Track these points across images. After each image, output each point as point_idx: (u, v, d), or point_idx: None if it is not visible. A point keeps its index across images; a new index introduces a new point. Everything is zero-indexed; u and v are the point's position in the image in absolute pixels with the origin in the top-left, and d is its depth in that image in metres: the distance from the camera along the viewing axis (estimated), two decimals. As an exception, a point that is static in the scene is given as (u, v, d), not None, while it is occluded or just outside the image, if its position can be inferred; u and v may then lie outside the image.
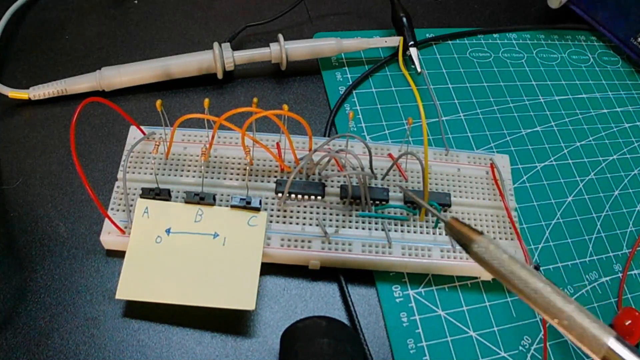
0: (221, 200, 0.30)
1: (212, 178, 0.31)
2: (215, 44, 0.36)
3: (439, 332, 0.29)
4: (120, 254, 0.29)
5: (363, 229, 0.31)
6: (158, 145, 0.31)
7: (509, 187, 0.33)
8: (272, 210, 0.31)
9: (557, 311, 0.17)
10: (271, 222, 0.30)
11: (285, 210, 0.31)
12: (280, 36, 0.37)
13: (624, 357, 0.15)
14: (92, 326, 0.28)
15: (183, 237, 0.29)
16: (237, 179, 0.31)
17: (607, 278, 0.33)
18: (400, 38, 0.39)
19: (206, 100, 0.28)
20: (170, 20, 0.41)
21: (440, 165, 0.34)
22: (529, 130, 0.39)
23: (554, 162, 0.38)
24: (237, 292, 0.27)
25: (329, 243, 0.30)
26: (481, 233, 0.19)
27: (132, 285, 0.27)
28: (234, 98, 0.38)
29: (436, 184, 0.33)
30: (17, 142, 0.34)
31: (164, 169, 0.31)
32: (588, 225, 0.35)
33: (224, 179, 0.31)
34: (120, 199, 0.30)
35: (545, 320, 0.17)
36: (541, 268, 0.31)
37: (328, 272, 0.31)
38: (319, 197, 0.31)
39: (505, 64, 0.42)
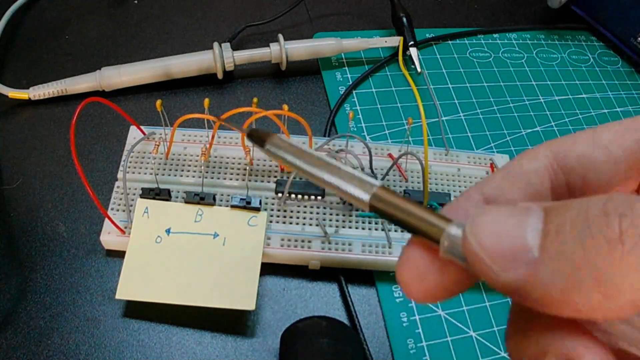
0: (221, 200, 0.30)
1: (212, 178, 0.31)
2: (215, 44, 0.36)
3: (439, 332, 0.29)
4: (120, 254, 0.29)
5: (363, 229, 0.31)
6: (158, 145, 0.31)
7: (509, 187, 0.33)
8: (272, 210, 0.31)
9: (326, 174, 0.18)
10: (271, 222, 0.30)
11: (285, 210, 0.31)
12: (280, 36, 0.37)
13: (389, 199, 0.16)
14: (92, 326, 0.28)
15: (183, 237, 0.29)
16: (237, 179, 0.31)
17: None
18: (400, 38, 0.39)
19: (206, 100, 0.28)
20: (170, 20, 0.41)
21: (440, 165, 0.34)
22: (529, 130, 0.39)
23: (554, 162, 0.38)
24: (237, 292, 0.27)
25: (329, 243, 0.30)
26: (273, 134, 0.21)
27: (132, 285, 0.27)
28: (234, 98, 0.38)
29: (436, 184, 0.33)
30: (17, 142, 0.34)
31: (164, 169, 0.31)
32: (588, 225, 0.35)
33: (224, 179, 0.31)
34: (120, 199, 0.30)
35: (323, 187, 0.18)
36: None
37: (328, 272, 0.31)
38: (319, 197, 0.31)
39: (505, 64, 0.42)
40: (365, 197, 0.17)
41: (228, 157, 0.32)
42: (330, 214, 0.31)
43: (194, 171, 0.31)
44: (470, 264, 0.13)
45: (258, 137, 0.21)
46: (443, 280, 0.15)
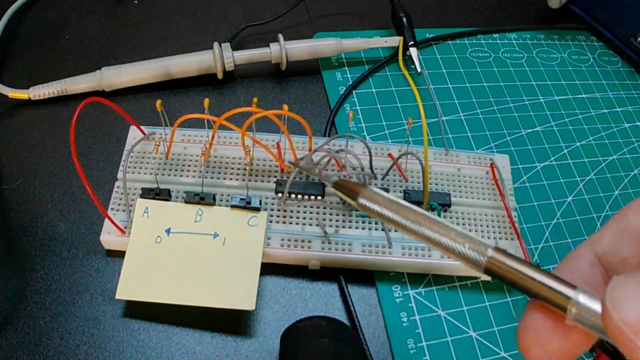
0: (221, 200, 0.30)
1: (212, 178, 0.31)
2: (215, 44, 0.36)
3: (439, 332, 0.29)
4: (120, 254, 0.29)
5: (363, 229, 0.31)
6: (158, 145, 0.31)
7: (509, 187, 0.33)
8: (272, 210, 0.31)
9: (439, 237, 0.18)
10: (271, 222, 0.30)
11: (285, 210, 0.31)
12: (280, 36, 0.37)
13: (506, 262, 0.16)
14: (92, 326, 0.28)
15: (183, 237, 0.29)
16: (237, 179, 0.31)
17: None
18: (400, 38, 0.39)
19: (206, 100, 0.28)
20: (170, 20, 0.41)
21: (440, 165, 0.34)
22: (529, 130, 0.39)
23: (554, 162, 0.38)
24: (237, 292, 0.27)
25: (329, 243, 0.30)
26: (365, 186, 0.20)
27: (132, 285, 0.27)
28: (234, 98, 0.38)
29: (436, 184, 0.33)
30: (17, 142, 0.34)
31: (164, 169, 0.31)
32: (588, 225, 0.35)
33: (224, 179, 0.31)
34: (120, 199, 0.30)
35: (432, 247, 0.18)
36: (541, 268, 0.31)
37: (328, 272, 0.31)
38: (319, 197, 0.31)
39: (505, 64, 0.42)
40: (482, 259, 0.17)
41: (228, 157, 0.32)
42: (330, 214, 0.31)
43: (194, 171, 0.31)
44: (612, 337, 0.13)
45: (348, 189, 0.21)
46: (566, 344, 0.15)
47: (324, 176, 0.22)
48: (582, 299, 0.15)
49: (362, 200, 0.20)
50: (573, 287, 0.15)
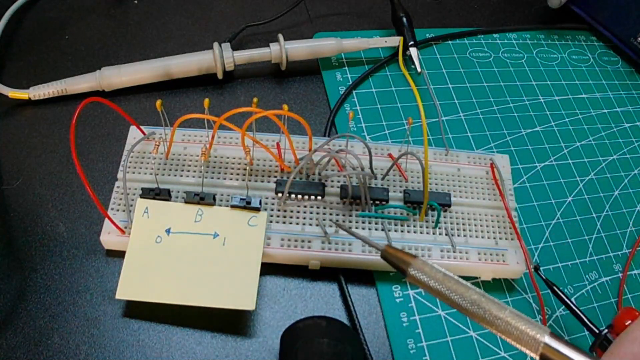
0: (221, 200, 0.30)
1: (212, 178, 0.31)
2: (215, 44, 0.36)
3: (439, 332, 0.29)
4: (120, 254, 0.29)
5: (363, 229, 0.31)
6: (158, 145, 0.31)
7: (509, 187, 0.33)
8: (272, 210, 0.31)
9: (494, 318, 0.18)
10: (271, 222, 0.30)
11: (285, 210, 0.31)
12: (280, 36, 0.37)
13: (560, 350, 0.16)
14: (92, 326, 0.28)
15: (183, 237, 0.29)
16: (237, 179, 0.31)
17: (607, 278, 0.33)
18: (400, 38, 0.39)
19: (206, 100, 0.28)
20: (170, 20, 0.41)
21: (440, 165, 0.34)
22: (529, 130, 0.39)
23: (554, 162, 0.38)
24: (237, 292, 0.27)
25: (329, 243, 0.30)
26: (415, 256, 0.20)
27: (132, 285, 0.27)
28: (234, 98, 0.38)
29: (436, 184, 0.33)
30: (17, 142, 0.34)
31: (164, 169, 0.31)
32: (588, 225, 0.35)
33: (224, 179, 0.31)
34: (120, 199, 0.30)
35: (485, 327, 0.18)
36: (541, 268, 0.31)
37: (328, 272, 0.31)
38: (319, 197, 0.31)
39: (505, 64, 0.42)
40: (539, 342, 0.17)
41: (228, 157, 0.32)
42: (330, 214, 0.31)
43: (194, 171, 0.31)
44: None
45: (398, 259, 0.20)
46: None
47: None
48: None
49: (413, 272, 0.20)
50: None
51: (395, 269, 0.20)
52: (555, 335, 0.17)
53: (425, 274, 0.20)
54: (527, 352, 0.18)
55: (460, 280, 0.19)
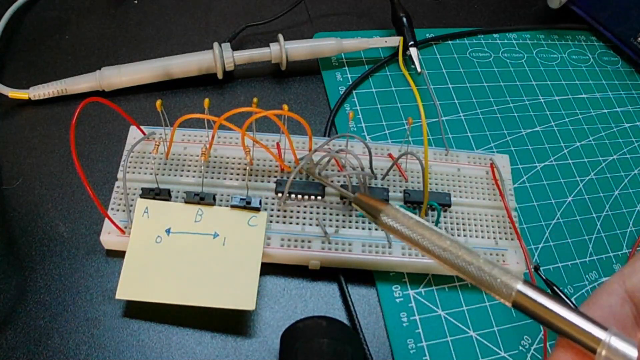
0: (221, 200, 0.30)
1: (212, 178, 0.31)
2: (215, 44, 0.36)
3: (439, 332, 0.29)
4: (120, 254, 0.29)
5: (363, 229, 0.31)
6: (158, 145, 0.31)
7: (509, 187, 0.33)
8: (272, 210, 0.31)
9: (466, 264, 0.18)
10: (271, 222, 0.30)
11: (285, 210, 0.31)
12: (280, 36, 0.37)
13: (533, 297, 0.16)
14: (92, 326, 0.28)
15: (183, 237, 0.29)
16: (237, 179, 0.31)
17: (607, 278, 0.33)
18: (400, 38, 0.39)
19: (206, 100, 0.28)
20: (170, 20, 0.41)
21: (440, 165, 0.34)
22: (529, 130, 0.39)
23: (554, 162, 0.38)
24: (237, 292, 0.27)
25: (329, 243, 0.30)
26: (387, 203, 0.20)
27: (132, 285, 0.27)
28: (234, 98, 0.38)
29: (436, 184, 0.33)
30: (17, 142, 0.34)
31: (164, 169, 0.31)
32: (588, 225, 0.35)
33: (224, 179, 0.31)
34: (120, 199, 0.30)
35: (458, 275, 0.18)
36: (541, 268, 0.31)
37: (328, 272, 0.31)
38: (319, 197, 0.31)
39: (505, 64, 0.42)
40: (510, 292, 0.16)
41: (228, 157, 0.32)
42: (330, 214, 0.31)
43: (194, 171, 0.31)
44: None
45: (369, 206, 0.20)
46: None
47: (323, 177, 0.22)
48: (614, 342, 0.15)
49: (384, 219, 0.19)
50: (604, 328, 0.15)
51: (368, 216, 0.20)
52: (529, 282, 0.17)
53: (396, 220, 0.19)
54: (501, 299, 0.17)
55: (433, 227, 0.19)
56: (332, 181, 0.26)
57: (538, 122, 0.39)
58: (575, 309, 0.16)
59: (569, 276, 0.33)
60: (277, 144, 0.32)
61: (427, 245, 0.18)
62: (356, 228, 0.31)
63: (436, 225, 0.31)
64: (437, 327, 0.30)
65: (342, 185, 0.31)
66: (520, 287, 0.16)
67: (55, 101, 0.35)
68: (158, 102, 0.28)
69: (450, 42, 0.43)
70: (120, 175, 0.31)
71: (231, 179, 0.31)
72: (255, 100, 0.28)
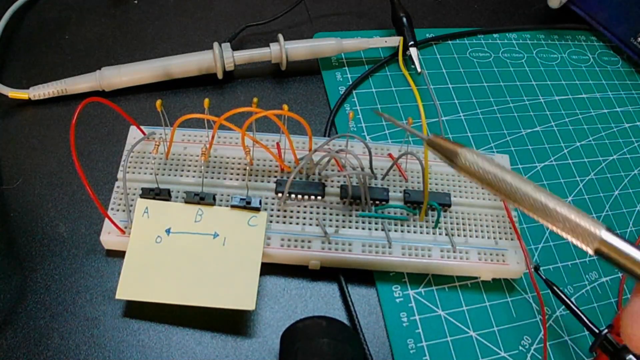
0: (221, 200, 0.30)
1: (212, 178, 0.31)
2: (215, 44, 0.36)
3: (439, 332, 0.29)
4: (120, 254, 0.29)
5: (363, 229, 0.31)
6: (158, 145, 0.31)
7: (509, 187, 0.33)
8: (272, 210, 0.31)
9: (549, 211, 0.17)
10: (271, 222, 0.30)
11: (285, 210, 0.31)
12: (280, 36, 0.37)
13: (616, 245, 0.16)
14: (92, 326, 0.28)
15: (183, 237, 0.29)
16: (237, 179, 0.31)
17: (607, 278, 0.33)
18: (400, 38, 0.39)
19: (206, 100, 0.28)
20: (170, 20, 0.41)
21: (440, 165, 0.34)
22: (529, 130, 0.39)
23: (554, 162, 0.38)
24: (237, 292, 0.27)
25: (329, 243, 0.30)
26: (462, 145, 0.20)
27: (132, 285, 0.27)
28: (234, 98, 0.38)
29: (436, 184, 0.33)
30: (17, 142, 0.34)
31: (164, 169, 0.31)
32: (588, 225, 0.35)
33: (224, 179, 0.31)
34: (120, 199, 0.30)
35: (543, 224, 0.18)
36: (541, 268, 0.31)
37: (328, 272, 0.31)
38: (319, 197, 0.31)
39: (505, 64, 0.42)
40: (596, 234, 0.16)
41: (228, 157, 0.32)
42: (330, 214, 0.31)
43: (194, 171, 0.31)
44: None
45: (444, 148, 0.20)
46: None
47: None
48: None
49: (463, 161, 0.19)
50: None
51: (443, 159, 0.20)
52: (612, 229, 0.16)
53: (475, 164, 0.19)
54: (583, 246, 0.17)
55: (512, 171, 0.18)
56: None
57: (538, 122, 0.39)
58: None
59: (569, 276, 0.33)
60: (277, 144, 0.32)
61: (508, 189, 0.18)
62: (356, 228, 0.31)
63: (436, 225, 0.31)
64: (437, 327, 0.30)
65: (342, 185, 0.31)
66: (604, 234, 0.16)
67: (55, 101, 0.35)
68: (158, 102, 0.28)
69: (450, 42, 0.43)
70: (120, 175, 0.31)
71: (231, 179, 0.31)
72: (255, 100, 0.28)
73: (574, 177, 0.37)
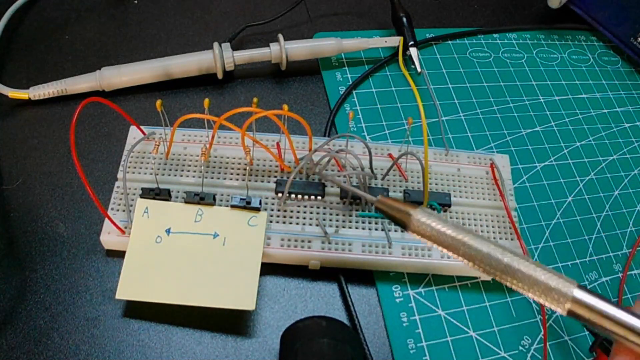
0: (221, 200, 0.30)
1: (212, 178, 0.31)
2: (215, 44, 0.36)
3: (439, 332, 0.29)
4: (120, 254, 0.29)
5: (363, 229, 0.31)
6: (158, 145, 0.31)
7: (509, 187, 0.33)
8: (272, 210, 0.31)
9: (512, 272, 0.17)
10: (271, 222, 0.30)
11: (285, 210, 0.31)
12: (280, 36, 0.37)
13: (590, 303, 0.15)
14: (92, 326, 0.28)
15: (183, 237, 0.29)
16: (237, 179, 0.31)
17: (607, 278, 0.33)
18: (400, 38, 0.39)
19: (206, 100, 0.28)
20: (170, 20, 0.41)
21: (440, 165, 0.34)
22: (529, 130, 0.39)
23: (554, 162, 0.38)
24: (237, 292, 0.27)
25: (329, 243, 0.30)
26: (416, 206, 0.18)
27: (132, 285, 0.27)
28: (234, 98, 0.38)
29: (436, 184, 0.33)
30: (17, 142, 0.34)
31: (164, 169, 0.31)
32: (588, 225, 0.35)
33: (224, 179, 0.31)
34: (120, 199, 0.30)
35: (502, 283, 0.17)
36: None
37: (328, 272, 0.31)
38: (319, 197, 0.31)
39: (505, 64, 0.42)
40: (567, 294, 0.15)
41: (228, 157, 0.32)
42: (330, 214, 0.31)
43: (194, 171, 0.31)
44: None
45: (397, 210, 0.19)
46: None
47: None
48: None
49: (417, 223, 0.18)
50: None
51: (394, 223, 0.19)
52: (584, 287, 0.16)
53: (430, 228, 0.18)
54: (553, 307, 0.16)
55: (470, 230, 0.17)
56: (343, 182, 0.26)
57: (538, 122, 0.39)
58: (632, 312, 0.15)
59: (569, 276, 0.33)
60: (277, 144, 0.32)
61: (466, 251, 0.17)
62: (356, 228, 0.31)
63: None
64: (437, 327, 0.30)
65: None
66: (576, 292, 0.16)
67: (55, 101, 0.35)
68: (158, 102, 0.28)
69: (450, 42, 0.43)
70: (120, 175, 0.31)
71: (231, 179, 0.31)
72: (255, 100, 0.28)
73: (574, 177, 0.37)
